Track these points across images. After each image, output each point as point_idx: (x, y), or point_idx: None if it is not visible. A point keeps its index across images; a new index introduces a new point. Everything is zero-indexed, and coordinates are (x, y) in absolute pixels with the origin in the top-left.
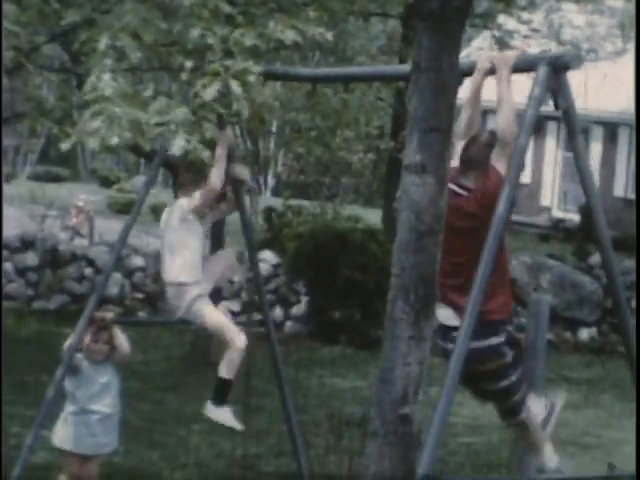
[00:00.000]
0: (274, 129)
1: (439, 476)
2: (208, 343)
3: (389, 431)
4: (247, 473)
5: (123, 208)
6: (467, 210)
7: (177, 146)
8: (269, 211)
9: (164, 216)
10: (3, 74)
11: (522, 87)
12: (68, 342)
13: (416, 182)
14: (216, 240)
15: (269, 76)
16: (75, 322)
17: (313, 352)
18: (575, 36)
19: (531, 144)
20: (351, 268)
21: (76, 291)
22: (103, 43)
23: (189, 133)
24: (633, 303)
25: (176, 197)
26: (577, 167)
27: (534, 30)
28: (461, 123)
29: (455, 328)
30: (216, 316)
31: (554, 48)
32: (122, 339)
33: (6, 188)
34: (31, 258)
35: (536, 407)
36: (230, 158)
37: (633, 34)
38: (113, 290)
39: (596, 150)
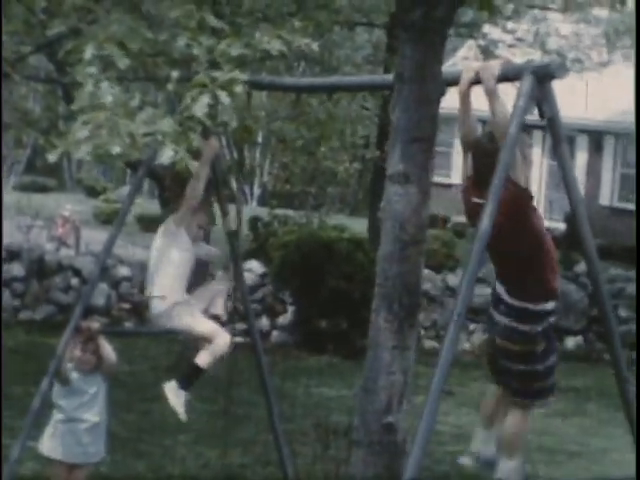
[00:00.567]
0: (260, 139)
1: None
2: (195, 353)
3: (373, 440)
4: None
5: (109, 218)
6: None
7: (166, 156)
8: (255, 221)
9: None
10: None
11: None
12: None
13: (399, 192)
14: None
15: (255, 86)
16: (62, 332)
17: (299, 361)
18: (560, 45)
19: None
20: (337, 277)
21: (62, 301)
22: (89, 52)
23: (176, 143)
24: (619, 311)
25: (162, 208)
26: (562, 175)
27: (519, 39)
28: (462, 138)
29: (507, 303)
30: (197, 319)
31: (539, 57)
32: (108, 349)
33: None
34: (17, 269)
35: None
36: (214, 168)
37: (618, 44)
38: (99, 300)
39: (582, 159)
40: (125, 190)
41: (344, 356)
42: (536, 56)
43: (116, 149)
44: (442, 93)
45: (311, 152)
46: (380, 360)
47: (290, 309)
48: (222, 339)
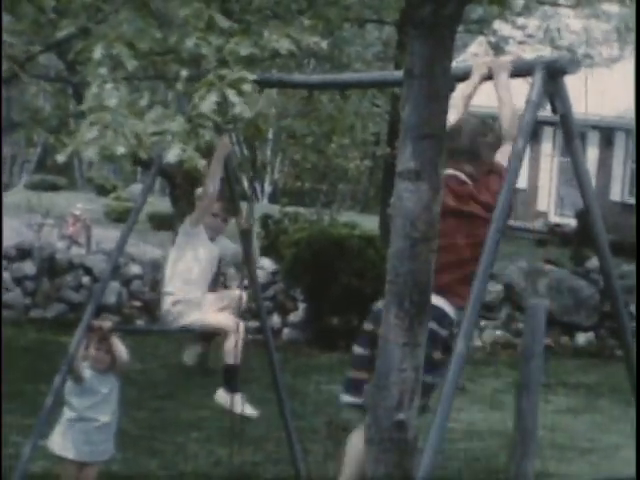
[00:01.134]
0: (270, 136)
1: None
2: (206, 350)
3: (384, 438)
4: None
5: (120, 216)
6: (475, 197)
7: (173, 154)
8: (266, 218)
9: None
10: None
11: (519, 92)
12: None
13: (410, 189)
14: None
15: (264, 83)
16: (73, 331)
17: (311, 359)
18: (571, 41)
19: (527, 149)
20: (348, 274)
21: (74, 300)
22: (98, 52)
23: (185, 142)
24: (631, 307)
25: (173, 206)
26: (575, 171)
27: (529, 36)
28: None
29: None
30: (206, 313)
31: (550, 53)
32: (121, 348)
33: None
34: (28, 267)
35: None
36: (226, 166)
37: (629, 39)
38: (111, 298)
39: (592, 155)
40: (135, 188)
41: None
42: (546, 52)
43: (120, 150)
44: (452, 89)
45: (321, 150)
46: (391, 357)
47: (301, 306)
48: (229, 327)
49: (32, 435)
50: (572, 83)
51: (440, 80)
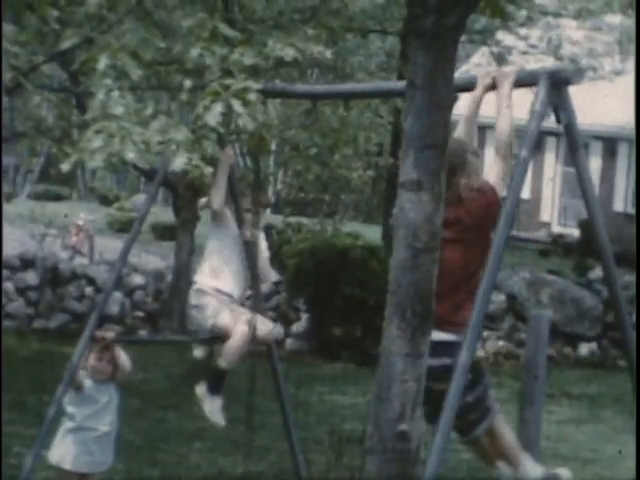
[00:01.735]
0: (273, 147)
1: None
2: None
3: (387, 448)
4: None
5: (123, 227)
6: (460, 219)
7: (178, 164)
8: (269, 229)
9: None
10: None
11: (522, 102)
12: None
13: (412, 199)
14: None
15: (268, 93)
16: (76, 341)
17: (314, 369)
18: (573, 52)
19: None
20: (351, 285)
21: (76, 310)
22: (102, 63)
23: (189, 152)
24: (634, 318)
25: (176, 216)
26: (579, 181)
27: (532, 46)
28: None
29: (439, 343)
30: (219, 313)
31: (552, 64)
32: (124, 357)
33: (6, 207)
34: (31, 277)
35: (531, 467)
36: (230, 177)
37: (631, 51)
38: (114, 309)
39: (595, 165)
40: (139, 198)
41: (358, 363)
42: (549, 63)
43: (130, 155)
44: (454, 100)
45: (324, 161)
46: (393, 368)
47: (304, 317)
48: (237, 333)
49: (34, 445)
50: (575, 94)
51: (442, 91)
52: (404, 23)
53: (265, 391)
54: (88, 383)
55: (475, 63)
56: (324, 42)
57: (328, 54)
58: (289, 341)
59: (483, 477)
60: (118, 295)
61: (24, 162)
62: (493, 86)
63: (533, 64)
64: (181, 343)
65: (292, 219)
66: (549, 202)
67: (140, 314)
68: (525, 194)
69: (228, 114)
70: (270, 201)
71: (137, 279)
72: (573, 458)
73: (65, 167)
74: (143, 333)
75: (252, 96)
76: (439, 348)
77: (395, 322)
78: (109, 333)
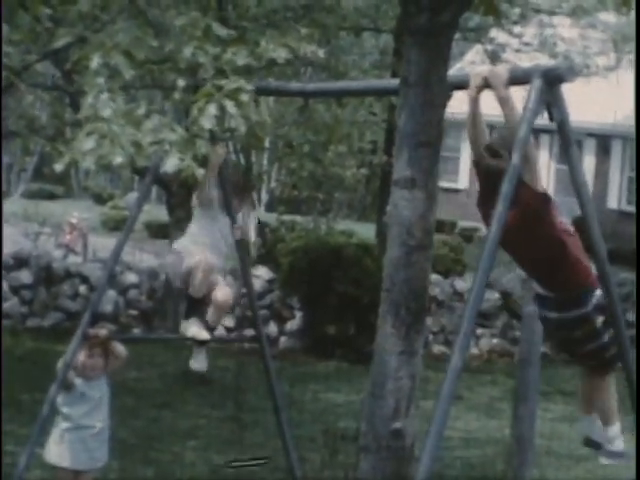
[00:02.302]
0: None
1: None
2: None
3: (381, 446)
4: None
5: (117, 225)
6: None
7: (171, 164)
8: (262, 227)
9: None
10: None
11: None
12: (63, 360)
13: (406, 197)
14: None
15: (261, 91)
16: (69, 339)
17: (307, 367)
18: (567, 50)
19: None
20: (345, 283)
21: (70, 308)
22: (95, 62)
23: (182, 152)
24: (629, 315)
25: (170, 214)
26: (572, 179)
27: (526, 44)
28: (471, 143)
29: (550, 298)
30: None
31: (546, 61)
32: (120, 348)
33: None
34: (25, 276)
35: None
36: (221, 175)
37: (626, 49)
38: (107, 307)
39: (589, 163)
40: (132, 197)
41: (352, 361)
42: (543, 60)
43: (118, 160)
44: (448, 97)
45: (318, 159)
46: (387, 365)
47: (298, 315)
48: (220, 293)
49: (28, 444)
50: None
51: (436, 88)
52: (398, 21)
53: (258, 389)
54: (78, 382)
55: (469, 61)
56: (317, 41)
57: (321, 53)
58: (283, 339)
59: (477, 474)
60: (112, 293)
61: (17, 161)
62: (486, 85)
63: (527, 62)
64: (175, 342)
65: (286, 217)
66: None
67: (134, 312)
68: None
69: (221, 115)
70: (254, 185)
71: (131, 277)
72: (567, 456)
73: (58, 167)
74: (137, 331)
75: (245, 97)
76: (568, 303)
77: (389, 320)
78: (102, 331)
